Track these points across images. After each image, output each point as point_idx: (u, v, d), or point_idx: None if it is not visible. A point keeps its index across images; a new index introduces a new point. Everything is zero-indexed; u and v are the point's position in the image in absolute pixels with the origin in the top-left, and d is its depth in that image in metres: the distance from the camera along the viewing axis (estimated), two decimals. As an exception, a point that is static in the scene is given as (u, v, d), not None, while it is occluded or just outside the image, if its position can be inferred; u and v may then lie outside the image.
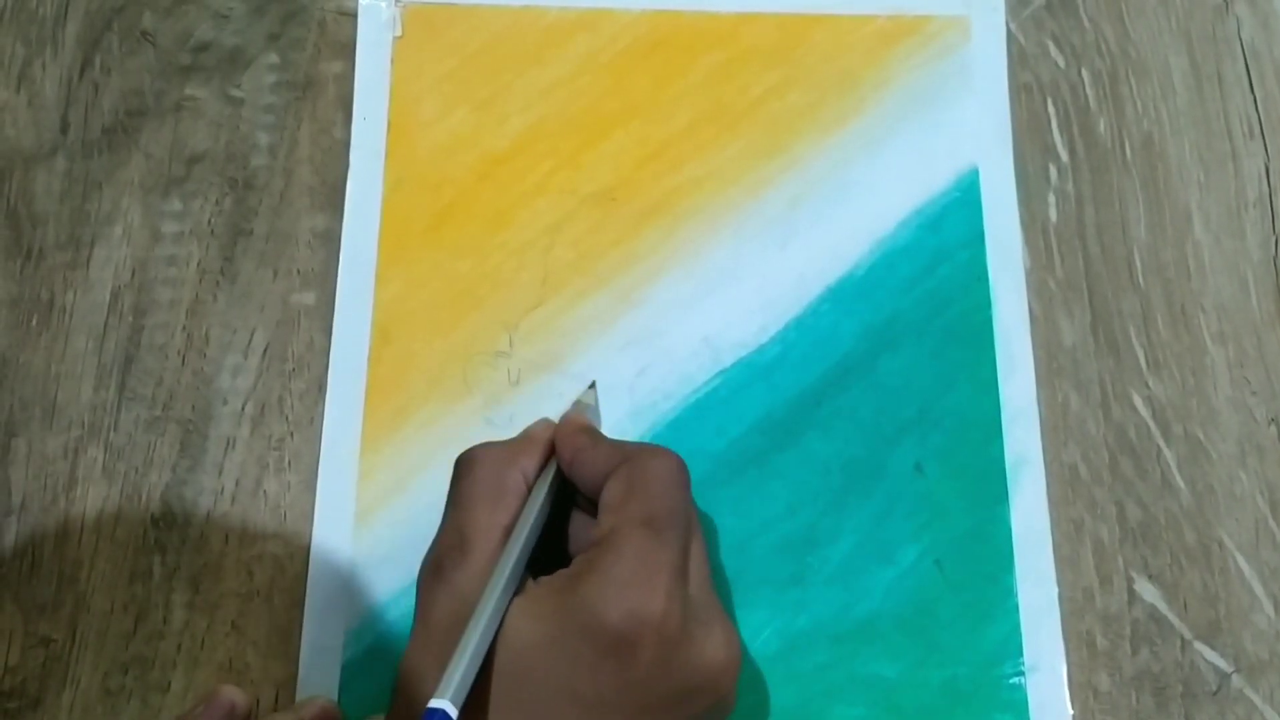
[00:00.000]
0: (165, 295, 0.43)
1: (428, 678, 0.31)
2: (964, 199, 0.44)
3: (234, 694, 0.37)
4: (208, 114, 0.45)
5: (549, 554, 0.35)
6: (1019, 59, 0.47)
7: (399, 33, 0.46)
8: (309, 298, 0.43)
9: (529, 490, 0.35)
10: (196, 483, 0.41)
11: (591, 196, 0.44)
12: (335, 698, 0.38)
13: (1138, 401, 0.42)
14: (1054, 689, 0.39)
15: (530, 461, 0.36)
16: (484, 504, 0.34)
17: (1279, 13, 0.48)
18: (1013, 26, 0.47)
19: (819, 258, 0.44)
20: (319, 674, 0.38)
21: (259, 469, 0.41)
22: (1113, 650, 0.40)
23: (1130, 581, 0.40)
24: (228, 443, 0.41)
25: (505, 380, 0.42)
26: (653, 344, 0.42)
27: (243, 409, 0.41)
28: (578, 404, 0.40)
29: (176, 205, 0.44)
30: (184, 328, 0.42)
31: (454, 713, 0.29)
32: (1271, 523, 0.41)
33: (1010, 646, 0.39)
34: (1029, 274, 0.44)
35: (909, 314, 0.43)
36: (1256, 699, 0.39)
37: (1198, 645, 0.40)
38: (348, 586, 0.39)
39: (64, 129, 0.45)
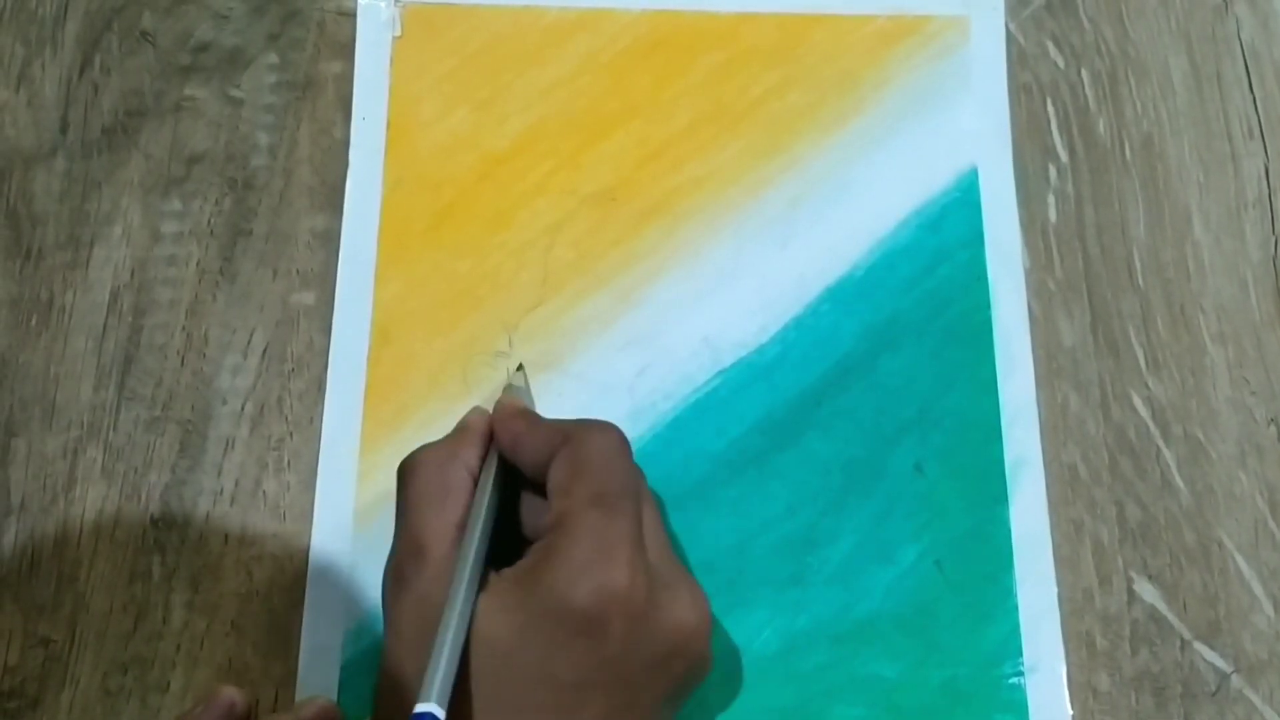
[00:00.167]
0: (165, 295, 0.43)
1: (408, 685, 0.31)
2: (964, 199, 0.44)
3: (234, 694, 0.37)
4: (207, 114, 0.45)
5: (505, 538, 0.35)
6: (1018, 59, 0.47)
7: (399, 33, 0.46)
8: (308, 298, 0.43)
9: (475, 483, 0.35)
10: (196, 483, 0.40)
11: (591, 196, 0.44)
12: (335, 698, 0.38)
13: (1137, 402, 0.42)
14: (1054, 689, 0.39)
15: (471, 453, 0.36)
16: (433, 506, 0.34)
17: (1279, 13, 0.48)
18: (1012, 27, 0.47)
19: (819, 258, 0.44)
20: (318, 674, 0.38)
21: (258, 469, 0.41)
22: (1112, 650, 0.40)
23: (1130, 582, 0.40)
24: (227, 443, 0.41)
25: (505, 380, 0.42)
26: (653, 344, 0.42)
27: (242, 409, 0.41)
28: (509, 388, 0.41)
29: (176, 205, 0.44)
30: (184, 328, 0.42)
31: (442, 714, 0.29)
32: (1271, 523, 0.41)
33: (1010, 647, 0.39)
34: (1029, 274, 0.44)
35: (909, 314, 0.43)
36: (1256, 699, 0.39)
37: (1197, 645, 0.40)
38: (347, 586, 0.39)
39: (64, 129, 0.45)
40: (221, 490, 0.40)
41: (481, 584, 0.33)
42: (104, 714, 0.38)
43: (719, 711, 0.38)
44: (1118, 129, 0.46)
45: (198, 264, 0.43)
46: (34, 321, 0.42)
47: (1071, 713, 0.39)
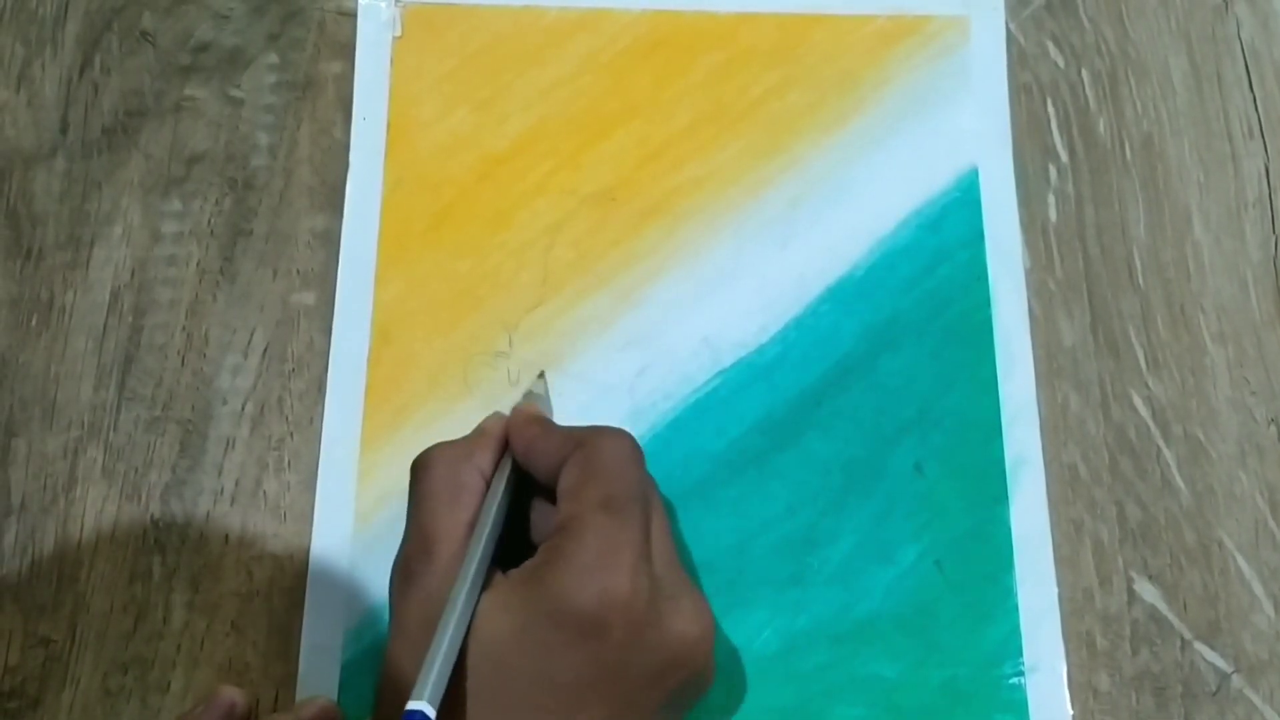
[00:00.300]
0: (165, 295, 0.43)
1: (407, 681, 0.31)
2: (964, 199, 0.44)
3: (234, 694, 0.37)
4: (207, 114, 0.45)
5: (514, 544, 0.35)
6: (1019, 59, 0.47)
7: (399, 33, 0.46)
8: (309, 298, 0.43)
9: (487, 486, 0.35)
10: (196, 483, 0.40)
11: (591, 196, 0.44)
12: (335, 698, 0.38)
13: (1137, 401, 0.42)
14: (1054, 689, 0.39)
15: (485, 456, 0.36)
16: (444, 504, 0.34)
17: (1279, 13, 0.48)
18: (1012, 27, 0.47)
19: (819, 258, 0.44)
20: (319, 674, 0.38)
21: (259, 469, 0.41)
22: (1112, 650, 0.40)
23: (1130, 582, 0.40)
24: (227, 443, 0.41)
25: (505, 380, 0.42)
26: (653, 344, 0.42)
27: (242, 409, 0.41)
28: (529, 394, 0.41)
29: (176, 205, 0.44)
30: (184, 328, 0.42)
31: (432, 713, 0.29)
32: (1271, 523, 0.41)
33: (1010, 647, 0.39)
34: (1029, 274, 0.44)
35: (909, 314, 0.43)
36: (1256, 699, 0.39)
37: (1197, 645, 0.40)
38: (347, 586, 0.39)
39: (64, 129, 0.45)
40: (222, 490, 0.40)
41: (486, 584, 0.33)
42: (104, 714, 0.38)
43: (719, 711, 0.38)
44: (1118, 129, 0.46)
45: (198, 264, 0.43)
46: (34, 321, 0.42)
47: (1072, 713, 0.39)
